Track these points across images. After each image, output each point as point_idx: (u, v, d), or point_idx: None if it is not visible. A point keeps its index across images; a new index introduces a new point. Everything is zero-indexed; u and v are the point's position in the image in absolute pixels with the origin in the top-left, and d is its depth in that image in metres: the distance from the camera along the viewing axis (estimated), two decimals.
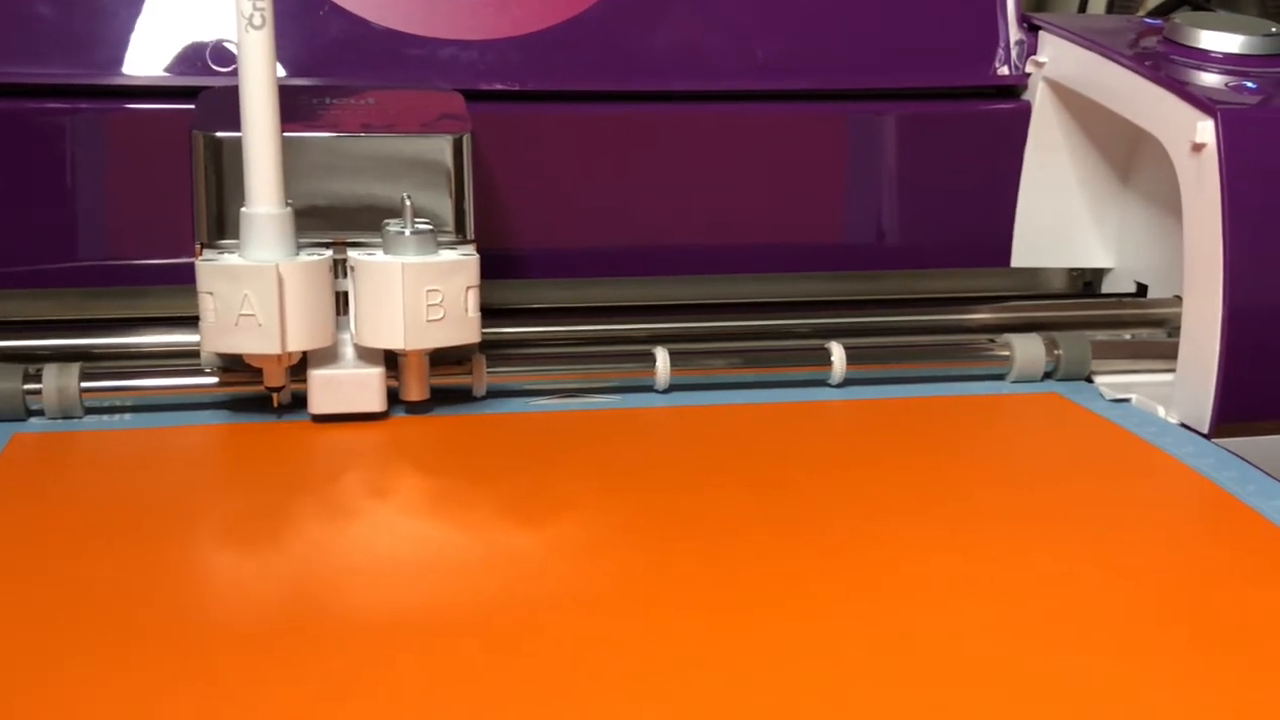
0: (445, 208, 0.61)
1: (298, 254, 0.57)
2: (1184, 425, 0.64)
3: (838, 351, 0.67)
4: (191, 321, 0.59)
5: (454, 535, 0.51)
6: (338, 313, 0.60)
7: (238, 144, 0.56)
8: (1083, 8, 1.29)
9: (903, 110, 0.75)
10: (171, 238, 0.66)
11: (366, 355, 0.60)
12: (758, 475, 0.57)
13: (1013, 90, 0.76)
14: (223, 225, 0.59)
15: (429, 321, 0.58)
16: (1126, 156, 0.76)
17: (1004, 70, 0.76)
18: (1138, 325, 0.74)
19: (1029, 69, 0.75)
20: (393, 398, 0.61)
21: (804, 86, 0.73)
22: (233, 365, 0.61)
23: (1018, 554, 0.50)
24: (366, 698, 0.40)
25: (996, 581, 0.48)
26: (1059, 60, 0.74)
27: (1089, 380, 0.69)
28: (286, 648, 0.42)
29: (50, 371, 0.60)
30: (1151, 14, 1.10)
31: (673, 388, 0.66)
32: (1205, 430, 0.63)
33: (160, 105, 0.66)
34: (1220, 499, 0.55)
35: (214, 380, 0.62)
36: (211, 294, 0.56)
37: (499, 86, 0.70)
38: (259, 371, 0.60)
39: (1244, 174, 0.62)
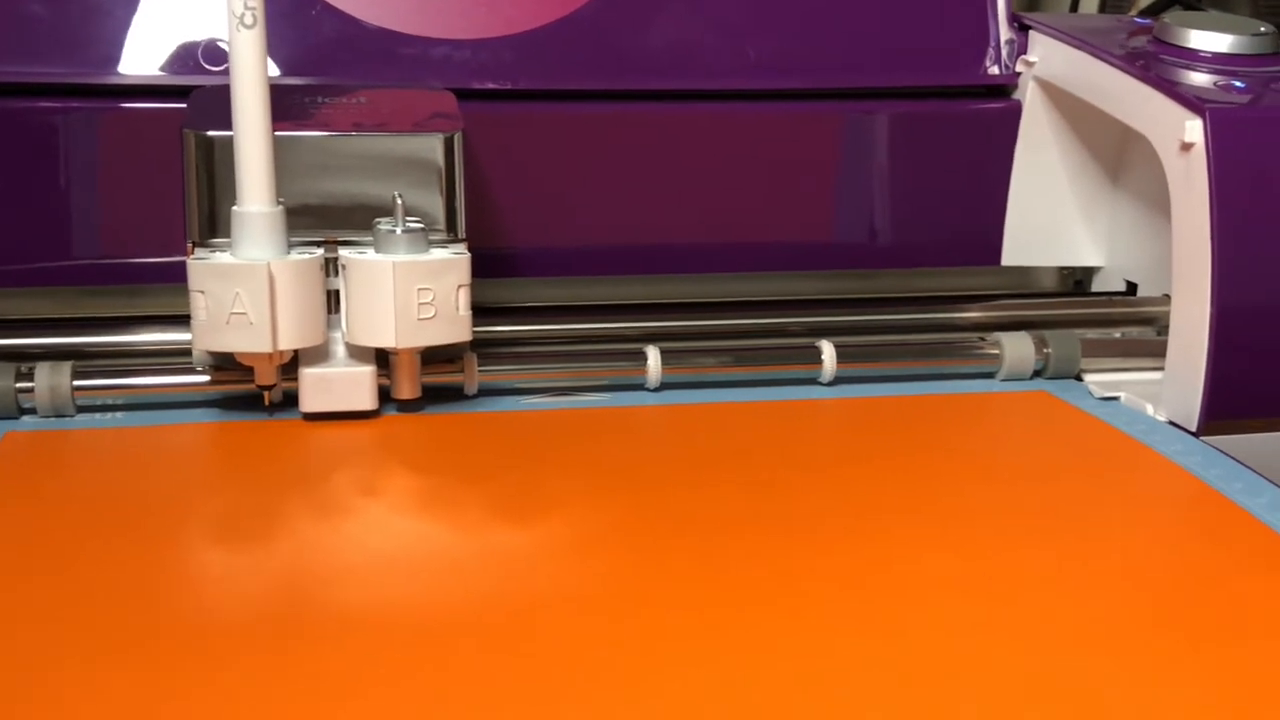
0: (437, 206, 0.61)
1: (289, 253, 0.57)
2: (1172, 423, 0.65)
3: (828, 350, 0.67)
4: (184, 320, 0.59)
5: (446, 533, 0.51)
6: (329, 311, 0.60)
7: (229, 143, 0.56)
8: (1074, 7, 1.29)
9: (893, 109, 0.75)
10: (163, 236, 0.66)
11: (358, 354, 0.60)
12: (749, 473, 0.57)
13: (1003, 89, 0.76)
14: (214, 224, 0.59)
15: (420, 320, 0.58)
16: (1116, 156, 0.77)
17: (994, 70, 0.76)
18: (1127, 324, 0.74)
19: (1019, 68, 0.76)
20: (384, 396, 0.61)
21: (795, 86, 0.74)
22: (224, 364, 0.61)
23: (1007, 551, 0.50)
24: (359, 695, 0.40)
25: (986, 578, 0.48)
26: (1049, 60, 0.74)
27: (1078, 378, 0.70)
28: (278, 645, 0.43)
29: (43, 370, 0.60)
30: (1142, 13, 1.10)
31: (664, 386, 0.66)
32: (1193, 428, 0.64)
33: (152, 104, 0.66)
34: (1208, 496, 0.56)
35: (206, 379, 0.62)
36: (203, 292, 0.57)
37: (491, 85, 0.70)
38: (251, 370, 0.60)
39: (1232, 173, 0.62)
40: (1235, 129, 0.63)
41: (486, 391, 0.64)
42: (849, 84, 0.74)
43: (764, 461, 0.58)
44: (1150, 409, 0.66)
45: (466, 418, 0.62)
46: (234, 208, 0.57)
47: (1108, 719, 0.40)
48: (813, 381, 0.68)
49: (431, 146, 0.61)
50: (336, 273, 0.60)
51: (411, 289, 0.58)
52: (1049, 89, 0.75)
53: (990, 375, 0.69)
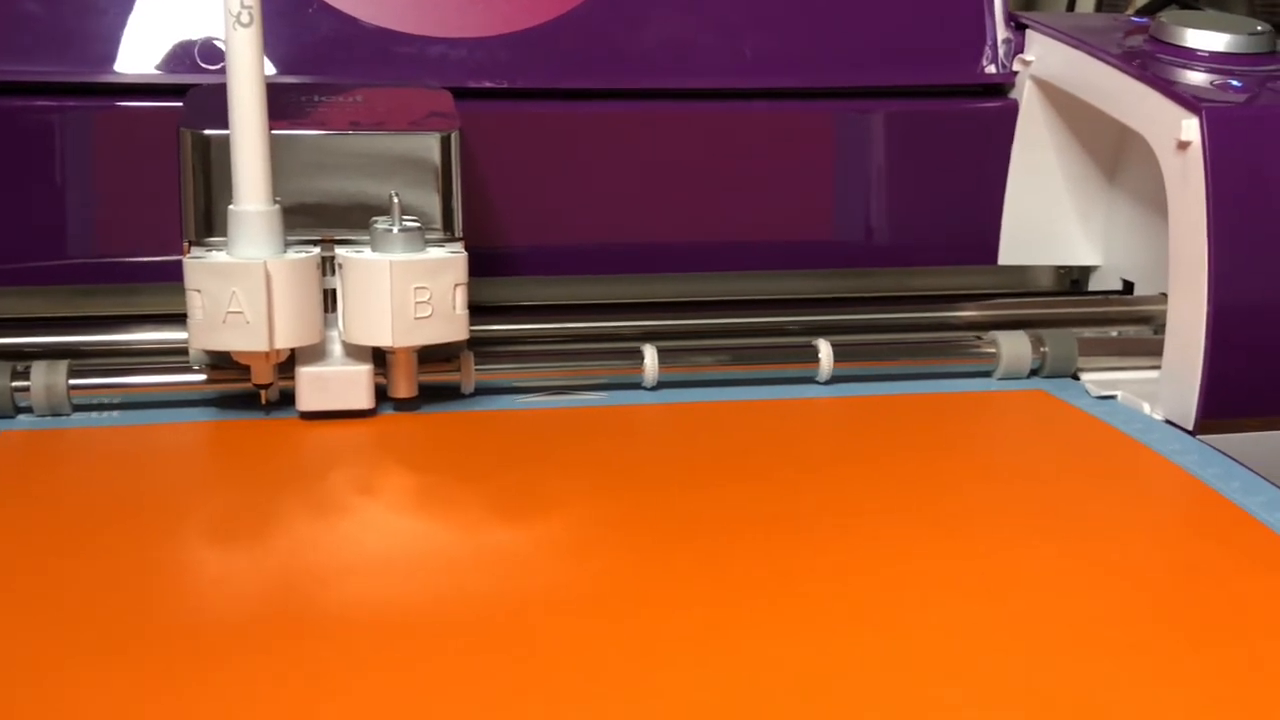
0: (433, 205, 0.61)
1: (286, 251, 0.57)
2: (1169, 422, 0.65)
3: (825, 349, 0.67)
4: (180, 319, 0.59)
5: (442, 532, 0.51)
6: (326, 310, 0.60)
7: (226, 142, 0.56)
8: (1071, 6, 1.29)
9: (890, 108, 0.75)
10: (159, 235, 0.66)
11: (354, 353, 0.60)
12: (746, 472, 0.57)
13: (1000, 88, 0.76)
14: (211, 223, 0.59)
15: (417, 319, 0.58)
16: (1113, 154, 0.77)
17: (991, 69, 0.76)
18: (1124, 322, 0.74)
19: (1016, 67, 0.76)
20: (381, 395, 0.61)
21: (791, 84, 0.74)
22: (221, 362, 0.61)
23: (1004, 550, 0.50)
24: (355, 694, 0.40)
25: (983, 577, 0.48)
26: (1046, 59, 0.74)
27: (1075, 377, 0.70)
28: (273, 644, 0.42)
29: (38, 369, 0.60)
30: (1139, 12, 1.10)
31: (661, 385, 0.66)
32: (1190, 427, 0.64)
33: (149, 103, 0.66)
34: (1205, 495, 0.56)
35: (202, 378, 0.62)
36: (199, 291, 0.57)
37: (488, 84, 0.70)
38: (247, 369, 0.60)
39: (1229, 172, 0.62)
40: (1232, 128, 0.63)
41: (483, 390, 0.64)
42: (845, 83, 0.74)
43: (761, 460, 0.58)
44: (1147, 408, 0.66)
45: (463, 417, 0.62)
46: (230, 206, 0.57)
47: (1100, 715, 0.40)
48: (810, 380, 0.68)
49: (428, 145, 0.61)
50: (333, 271, 0.60)
51: (408, 288, 0.58)
52: (1046, 88, 0.75)
53: (987, 374, 0.69)
